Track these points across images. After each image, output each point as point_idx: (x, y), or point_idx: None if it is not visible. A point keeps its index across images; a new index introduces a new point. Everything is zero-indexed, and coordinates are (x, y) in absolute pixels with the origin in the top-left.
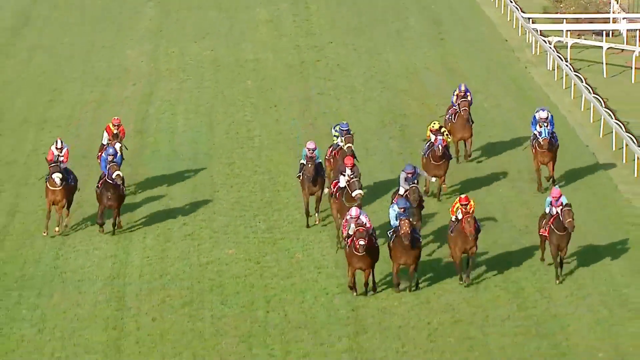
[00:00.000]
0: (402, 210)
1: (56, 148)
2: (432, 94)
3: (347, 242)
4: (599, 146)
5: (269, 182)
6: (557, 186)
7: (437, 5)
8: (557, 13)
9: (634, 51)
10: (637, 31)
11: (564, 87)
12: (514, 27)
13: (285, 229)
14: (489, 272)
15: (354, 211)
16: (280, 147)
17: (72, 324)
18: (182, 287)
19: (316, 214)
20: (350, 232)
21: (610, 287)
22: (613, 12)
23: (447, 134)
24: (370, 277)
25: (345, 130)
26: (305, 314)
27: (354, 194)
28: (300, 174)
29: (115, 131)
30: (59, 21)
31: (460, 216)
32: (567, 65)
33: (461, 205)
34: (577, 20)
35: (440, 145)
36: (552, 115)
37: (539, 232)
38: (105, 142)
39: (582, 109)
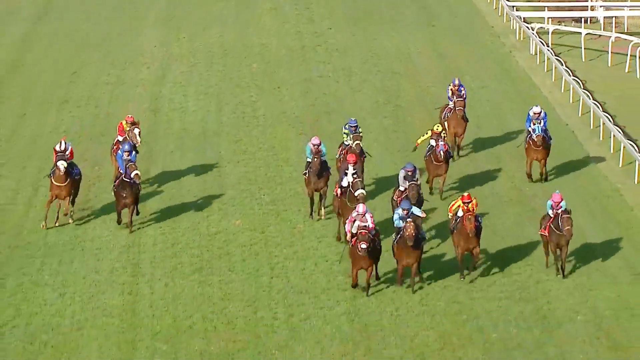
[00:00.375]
0: (406, 212)
1: (60, 149)
2: (424, 76)
3: (352, 242)
4: (577, 124)
5: (272, 158)
6: (557, 191)
7: None
8: (539, 1)
9: (610, 37)
10: (613, 18)
11: (545, 70)
12: (500, 14)
13: (288, 202)
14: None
15: (360, 208)
16: (283, 125)
17: (90, 289)
18: (192, 255)
19: (322, 209)
20: (354, 231)
21: (588, 254)
22: (591, 1)
23: (445, 135)
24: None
25: (354, 127)
26: (306, 280)
27: (356, 194)
28: (306, 171)
29: (128, 128)
30: (78, 10)
31: (461, 214)
32: (548, 50)
33: (463, 203)
34: (557, 8)
35: (442, 151)
36: (545, 112)
37: (540, 231)
38: (120, 139)
39: (562, 90)
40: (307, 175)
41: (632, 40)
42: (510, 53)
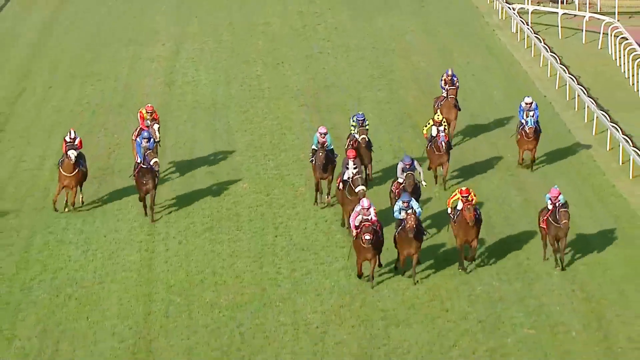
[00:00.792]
0: (406, 204)
1: (70, 138)
2: (415, 52)
3: (355, 234)
4: (554, 96)
5: (276, 127)
6: (555, 186)
7: None
8: None
9: (584, 17)
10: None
11: (525, 47)
12: None
13: (290, 167)
14: None
15: (365, 202)
16: (286, 97)
17: (111, 246)
18: (203, 216)
19: (327, 197)
20: (357, 224)
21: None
22: None
23: (446, 126)
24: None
25: (361, 120)
26: (307, 238)
27: (356, 190)
28: (312, 158)
29: (148, 118)
30: None
31: (460, 206)
32: (528, 29)
33: (462, 197)
34: None
35: (443, 142)
36: (536, 103)
37: (539, 224)
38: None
39: (541, 65)
40: (313, 162)
41: (604, 20)
42: (494, 31)
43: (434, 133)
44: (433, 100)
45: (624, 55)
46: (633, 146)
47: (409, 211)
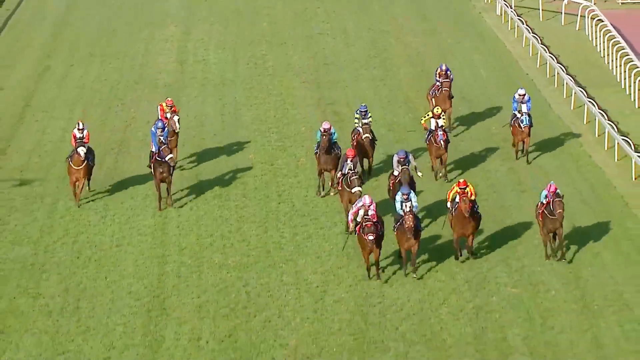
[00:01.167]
0: (405, 196)
1: (78, 129)
2: (407, 33)
3: (357, 230)
4: (536, 74)
5: (280, 102)
6: (552, 182)
7: None
8: None
9: (563, 0)
10: None
11: (509, 28)
12: None
13: (292, 139)
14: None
15: (367, 199)
16: (288, 74)
17: (127, 212)
18: (212, 184)
19: (331, 189)
20: (359, 220)
21: (540, 175)
22: None
23: (444, 119)
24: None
25: (364, 111)
26: (308, 205)
27: (353, 191)
28: (317, 150)
29: (168, 111)
30: None
31: (452, 196)
32: (511, 11)
33: (460, 189)
34: None
35: (441, 140)
36: (529, 97)
37: (536, 217)
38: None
39: (523, 45)
40: (317, 154)
41: (581, 3)
42: (480, 14)
43: (433, 126)
44: (427, 90)
45: (600, 36)
46: (608, 120)
47: (407, 210)
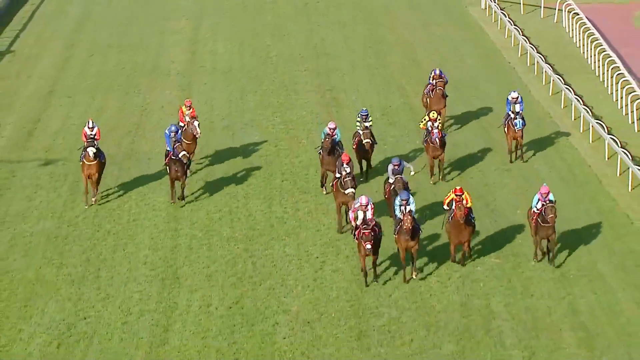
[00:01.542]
0: (405, 201)
1: (88, 127)
2: (402, 27)
3: (356, 234)
4: (517, 62)
5: (282, 89)
6: (545, 183)
7: None
8: None
9: None
10: None
11: (493, 21)
12: None
13: (295, 122)
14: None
15: (364, 199)
16: (290, 64)
17: (143, 189)
18: (221, 163)
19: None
20: (359, 223)
21: (529, 166)
22: None
23: (439, 121)
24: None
25: (365, 115)
26: (308, 183)
27: (346, 192)
28: (320, 150)
29: (187, 113)
30: None
31: (448, 201)
32: (495, 5)
33: (456, 195)
34: None
35: (437, 139)
36: (521, 97)
37: (529, 222)
38: (181, 124)
39: (506, 37)
40: (321, 154)
41: None
42: (466, 8)
43: (429, 128)
44: (423, 92)
45: (576, 28)
46: (583, 105)
47: (405, 211)
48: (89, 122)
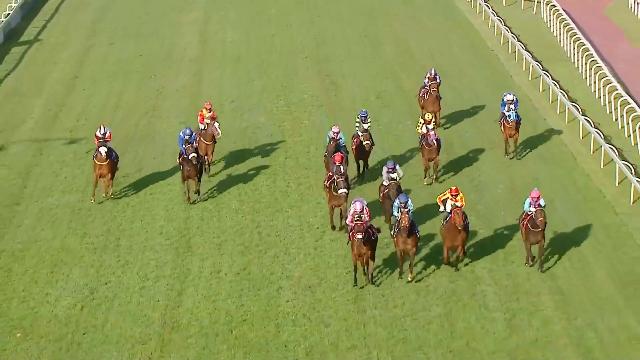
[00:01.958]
0: (403, 204)
1: (100, 133)
2: (395, 18)
3: (350, 237)
4: (499, 50)
5: (286, 74)
6: (535, 188)
7: None
8: None
9: None
10: None
11: (477, 12)
12: None
13: (297, 105)
14: None
15: (358, 206)
16: (293, 52)
17: (159, 165)
18: (229, 142)
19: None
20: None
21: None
22: None
23: (434, 123)
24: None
25: (364, 116)
26: (310, 160)
27: (339, 192)
28: (325, 154)
29: (207, 116)
30: None
31: (449, 208)
32: None
33: (451, 195)
34: None
35: (433, 140)
36: (517, 98)
37: (520, 227)
38: (201, 127)
39: (489, 27)
40: (325, 157)
41: None
42: (453, 1)
43: (425, 131)
44: (418, 93)
45: (553, 19)
46: (560, 89)
47: (403, 210)
48: (100, 127)
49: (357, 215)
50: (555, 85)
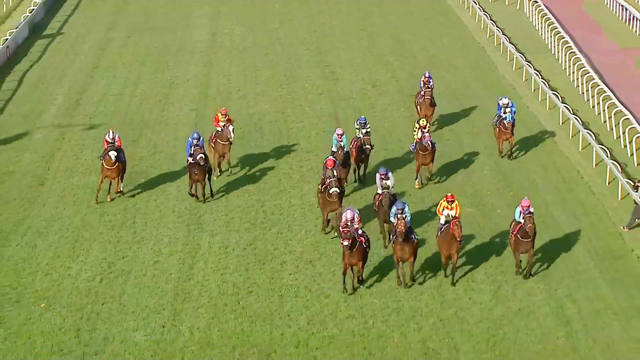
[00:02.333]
0: (400, 211)
1: (109, 138)
2: (390, 13)
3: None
4: (486, 42)
5: (289, 64)
6: (526, 197)
7: None
8: None
9: None
10: None
11: (465, 7)
12: None
13: (299, 93)
14: None
15: (349, 214)
16: (295, 44)
17: (172, 149)
18: (236, 126)
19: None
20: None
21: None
22: None
23: (429, 128)
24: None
25: (363, 123)
26: (311, 144)
27: (330, 192)
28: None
29: (223, 120)
30: None
31: (443, 220)
32: None
33: (447, 202)
34: None
35: (428, 142)
36: (512, 102)
37: (510, 236)
38: (218, 129)
39: (476, 21)
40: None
41: None
42: None
43: (419, 135)
44: (415, 98)
45: (535, 14)
46: (542, 78)
47: (399, 216)
48: (109, 132)
49: (347, 224)
50: (537, 75)
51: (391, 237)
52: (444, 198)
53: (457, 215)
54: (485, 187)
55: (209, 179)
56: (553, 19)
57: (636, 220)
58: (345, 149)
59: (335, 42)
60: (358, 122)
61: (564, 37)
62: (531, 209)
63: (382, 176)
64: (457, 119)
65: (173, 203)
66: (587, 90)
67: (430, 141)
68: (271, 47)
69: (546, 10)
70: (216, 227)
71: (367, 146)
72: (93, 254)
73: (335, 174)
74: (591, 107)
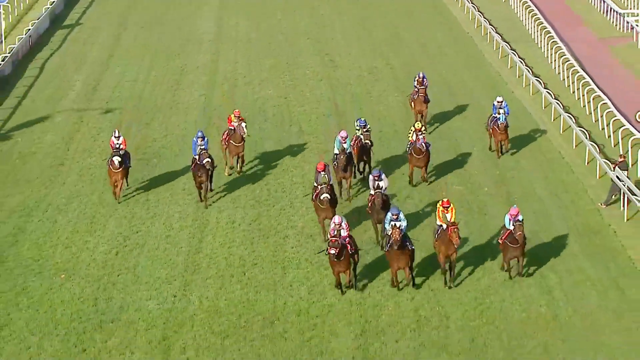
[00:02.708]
0: (395, 216)
1: (115, 137)
2: (385, 6)
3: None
4: (474, 32)
5: (291, 54)
6: (515, 205)
7: None
8: None
9: None
10: None
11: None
12: None
13: (301, 79)
14: None
15: (337, 219)
16: (297, 34)
17: (182, 131)
18: (242, 110)
19: (348, 194)
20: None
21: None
22: None
23: (424, 131)
24: (347, 276)
25: (363, 125)
26: (312, 127)
27: (321, 197)
28: (335, 162)
29: (236, 121)
30: None
31: (441, 214)
32: None
33: (443, 207)
34: None
35: (423, 144)
36: (506, 102)
37: (500, 242)
38: (230, 128)
39: (465, 13)
40: (335, 165)
41: None
42: None
43: (414, 138)
44: (409, 97)
45: (519, 5)
46: (526, 66)
47: (393, 224)
48: (115, 132)
49: (336, 230)
50: (521, 62)
51: (386, 244)
52: (440, 203)
53: (455, 222)
54: (473, 166)
55: (211, 180)
56: (536, 11)
57: (613, 197)
58: (347, 151)
59: (334, 32)
60: (358, 124)
61: (546, 28)
62: (519, 217)
63: (375, 177)
64: (448, 105)
65: (183, 182)
66: (568, 77)
67: (425, 143)
68: (274, 37)
69: (530, 2)
70: (223, 204)
71: (367, 141)
72: (109, 229)
73: (327, 178)
74: (571, 92)
